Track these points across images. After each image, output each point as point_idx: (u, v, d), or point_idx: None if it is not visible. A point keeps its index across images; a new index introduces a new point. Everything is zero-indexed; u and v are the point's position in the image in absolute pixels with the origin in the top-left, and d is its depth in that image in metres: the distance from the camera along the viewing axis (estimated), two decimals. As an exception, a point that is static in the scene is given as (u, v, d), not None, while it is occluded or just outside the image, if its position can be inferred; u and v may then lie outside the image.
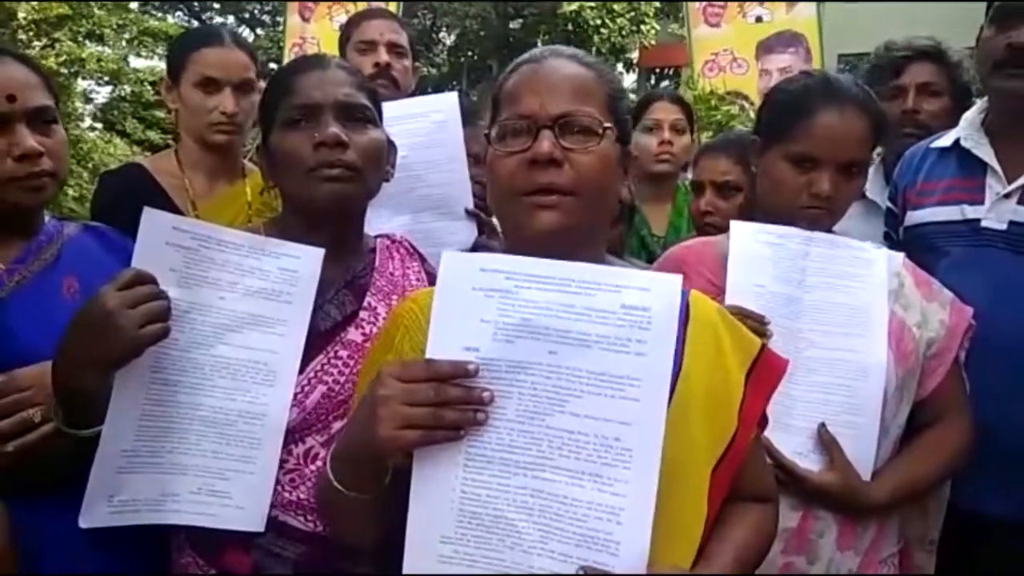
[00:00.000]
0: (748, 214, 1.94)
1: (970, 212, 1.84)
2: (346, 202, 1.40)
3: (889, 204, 2.10)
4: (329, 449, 1.21)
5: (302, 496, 1.35)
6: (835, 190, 1.53)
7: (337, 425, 1.36)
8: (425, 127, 1.87)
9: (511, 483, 0.98)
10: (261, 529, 1.32)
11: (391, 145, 1.51)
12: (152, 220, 1.28)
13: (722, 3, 5.04)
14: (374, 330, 1.40)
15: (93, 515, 1.28)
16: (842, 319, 1.53)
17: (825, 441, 1.49)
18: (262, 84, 1.96)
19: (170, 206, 1.97)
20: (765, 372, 1.17)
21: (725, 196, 2.18)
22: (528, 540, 0.97)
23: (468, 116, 1.85)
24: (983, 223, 1.81)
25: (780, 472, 1.45)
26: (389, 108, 1.84)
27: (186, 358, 1.29)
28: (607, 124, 1.11)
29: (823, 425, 1.49)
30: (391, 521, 1.06)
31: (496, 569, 0.98)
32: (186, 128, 2.13)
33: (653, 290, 0.98)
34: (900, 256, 1.65)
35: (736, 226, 1.58)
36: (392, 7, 5.12)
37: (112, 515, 1.28)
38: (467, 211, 1.88)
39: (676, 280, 1.00)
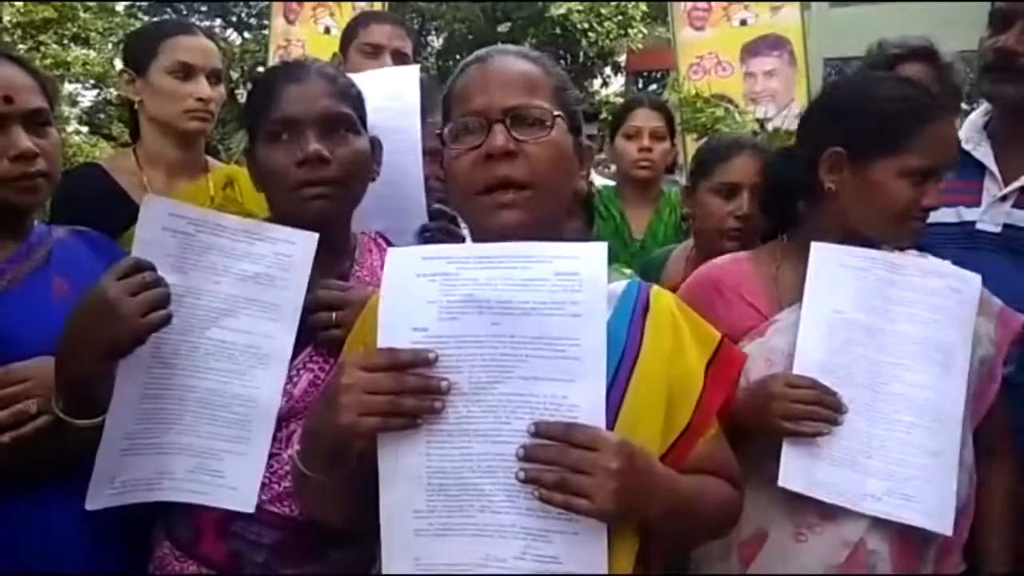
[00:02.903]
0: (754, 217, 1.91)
1: (966, 214, 1.85)
2: (330, 217, 1.42)
3: None
4: None
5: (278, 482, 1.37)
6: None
7: None
8: (385, 93, 1.82)
9: (473, 451, 1.04)
10: (251, 510, 1.34)
11: (376, 143, 1.51)
12: (151, 206, 1.30)
13: (706, 7, 5.06)
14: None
15: (97, 497, 1.30)
16: (926, 355, 1.44)
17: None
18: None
19: (128, 205, 1.94)
20: (724, 364, 1.20)
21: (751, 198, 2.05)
22: (496, 501, 1.03)
23: (424, 111, 1.84)
24: (978, 225, 1.83)
25: None
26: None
27: (183, 341, 1.32)
28: (557, 113, 1.15)
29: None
30: (365, 501, 1.09)
31: (470, 531, 1.03)
32: (153, 118, 2.10)
33: (581, 256, 1.05)
34: (980, 281, 1.55)
35: (817, 247, 1.47)
36: (377, 6, 5.11)
37: (113, 496, 1.31)
38: (434, 211, 1.85)
39: (602, 247, 1.06)
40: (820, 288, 1.45)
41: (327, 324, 1.37)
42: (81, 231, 1.60)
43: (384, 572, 1.07)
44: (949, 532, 1.41)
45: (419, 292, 1.06)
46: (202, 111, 2.07)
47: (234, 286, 1.34)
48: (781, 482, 1.39)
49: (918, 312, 1.45)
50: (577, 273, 1.04)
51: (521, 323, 1.03)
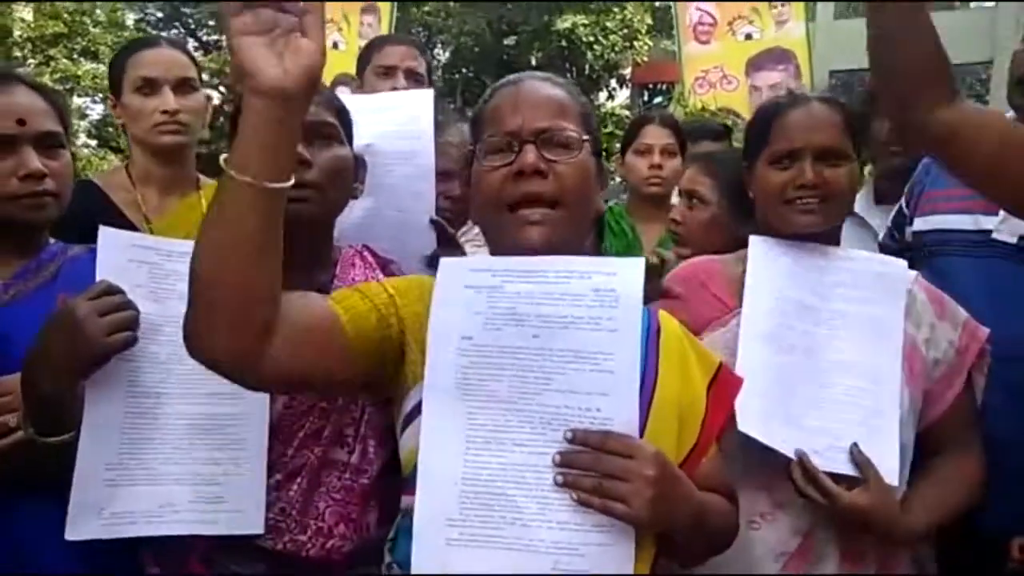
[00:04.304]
0: (716, 233, 2.01)
1: (983, 222, 1.84)
2: (307, 221, 1.40)
3: (902, 203, 2.11)
4: (291, 460, 1.29)
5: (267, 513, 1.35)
6: (819, 178, 1.53)
7: (300, 435, 1.38)
8: (398, 118, 1.86)
9: (508, 460, 1.07)
10: (260, 530, 1.33)
11: (360, 162, 1.52)
12: (110, 238, 1.33)
13: (711, 21, 5.09)
14: None
15: (81, 528, 1.29)
16: (859, 327, 1.53)
17: (859, 462, 1.44)
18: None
19: (124, 222, 1.95)
20: (724, 388, 1.23)
21: (693, 208, 2.20)
22: (528, 514, 1.05)
23: (436, 129, 1.85)
24: (994, 235, 1.82)
25: (812, 489, 1.42)
26: (363, 100, 1.82)
27: (166, 369, 1.32)
28: (585, 137, 1.19)
29: (856, 445, 1.45)
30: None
31: (500, 544, 1.05)
32: (134, 138, 2.11)
33: (619, 273, 1.10)
34: (913, 274, 1.63)
35: (754, 240, 1.60)
36: (384, 21, 5.15)
37: (104, 527, 1.30)
38: (431, 220, 1.86)
39: (639, 263, 1.11)
40: (760, 272, 1.57)
41: None
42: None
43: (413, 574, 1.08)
44: (894, 482, 1.45)
45: (467, 302, 1.11)
46: (171, 123, 2.04)
47: None
48: (740, 427, 1.42)
49: (848, 292, 1.56)
50: (614, 289, 1.09)
51: (559, 336, 1.08)
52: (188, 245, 1.34)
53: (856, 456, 1.45)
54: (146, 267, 1.32)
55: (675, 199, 2.88)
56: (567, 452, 1.05)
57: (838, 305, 1.55)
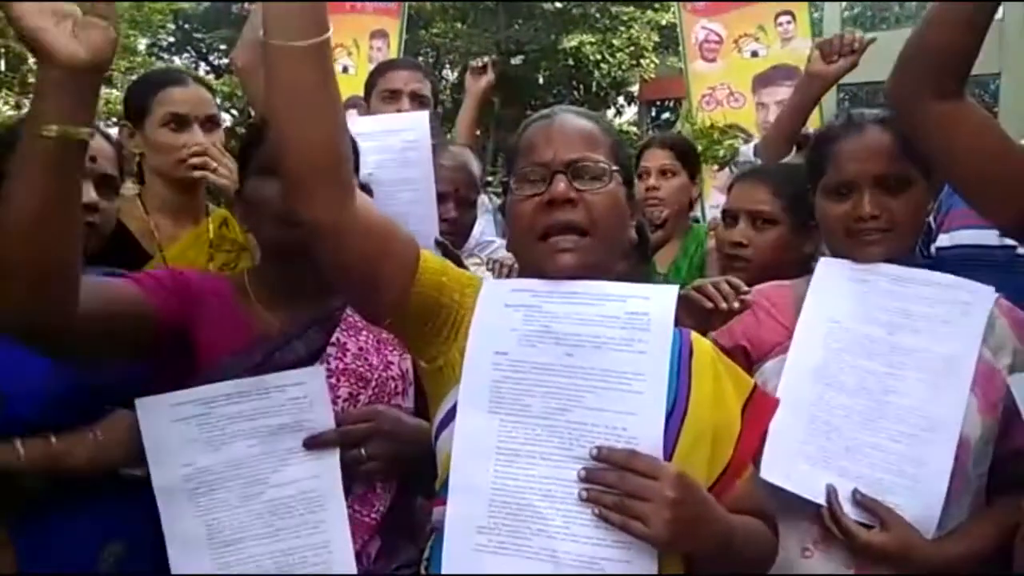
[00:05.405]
0: (784, 253, 1.95)
1: (1008, 237, 1.82)
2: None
3: (930, 219, 2.09)
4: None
5: None
6: (880, 208, 1.48)
7: None
8: (395, 145, 1.88)
9: (536, 473, 1.10)
10: None
11: (367, 188, 1.54)
12: (149, 408, 1.31)
13: (717, 39, 5.12)
14: (340, 366, 1.43)
15: None
16: (924, 365, 1.44)
17: (865, 504, 1.40)
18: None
19: (138, 250, 1.99)
20: (758, 409, 1.24)
21: (759, 228, 2.02)
22: (553, 526, 1.08)
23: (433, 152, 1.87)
24: (1019, 250, 1.80)
25: (834, 526, 1.40)
26: (360, 124, 1.84)
27: (244, 513, 1.32)
28: (614, 167, 1.23)
29: (857, 491, 1.41)
30: None
31: (524, 554, 1.08)
32: (155, 169, 2.13)
33: (652, 298, 1.16)
34: (994, 296, 1.51)
35: (823, 262, 1.56)
36: (393, 44, 5.19)
37: None
38: (436, 242, 1.88)
39: (672, 290, 1.16)
40: (820, 298, 1.52)
41: (359, 460, 1.38)
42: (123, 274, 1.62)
43: None
44: (929, 535, 1.40)
45: (505, 320, 1.16)
46: (198, 160, 2.07)
47: (268, 443, 1.33)
48: (763, 474, 1.41)
49: (919, 324, 1.46)
50: (647, 313, 1.13)
51: (592, 356, 1.12)
52: (228, 387, 1.33)
53: (861, 500, 1.41)
54: (193, 421, 1.32)
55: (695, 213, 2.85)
56: (592, 468, 1.08)
57: (906, 339, 1.46)
